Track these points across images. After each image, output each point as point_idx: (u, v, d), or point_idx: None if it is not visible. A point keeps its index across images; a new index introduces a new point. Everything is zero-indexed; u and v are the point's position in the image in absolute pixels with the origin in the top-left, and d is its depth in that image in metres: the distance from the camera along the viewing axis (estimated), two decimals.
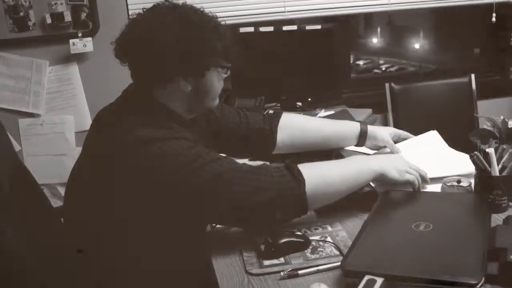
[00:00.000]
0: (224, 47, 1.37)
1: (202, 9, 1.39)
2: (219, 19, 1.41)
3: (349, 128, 1.81)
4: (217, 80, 1.42)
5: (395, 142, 1.79)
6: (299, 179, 1.32)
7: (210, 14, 1.39)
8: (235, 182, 1.29)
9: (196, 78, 1.37)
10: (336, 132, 1.80)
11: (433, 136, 1.93)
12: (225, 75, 1.44)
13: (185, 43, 1.31)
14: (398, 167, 1.47)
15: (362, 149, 1.87)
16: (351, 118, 2.28)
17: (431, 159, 1.77)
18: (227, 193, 1.28)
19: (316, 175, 1.36)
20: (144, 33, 1.32)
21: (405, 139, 1.83)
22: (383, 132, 1.79)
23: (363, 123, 1.81)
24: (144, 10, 1.36)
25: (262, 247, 1.31)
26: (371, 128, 1.79)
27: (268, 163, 1.53)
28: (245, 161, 1.61)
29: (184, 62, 1.32)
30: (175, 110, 1.40)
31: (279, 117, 1.77)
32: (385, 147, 1.79)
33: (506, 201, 1.43)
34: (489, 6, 3.07)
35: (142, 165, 1.28)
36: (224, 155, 1.39)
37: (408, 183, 1.47)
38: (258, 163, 1.46)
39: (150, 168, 1.27)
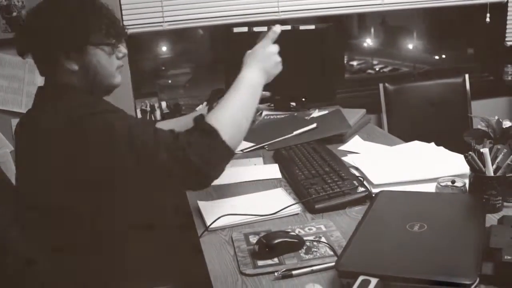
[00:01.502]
0: (105, 25, 1.46)
1: None
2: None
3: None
4: (104, 58, 1.48)
5: None
6: (211, 132, 1.36)
7: None
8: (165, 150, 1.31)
9: (77, 55, 1.43)
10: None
11: (418, 144, 1.95)
12: (118, 56, 1.52)
13: (61, 20, 1.40)
14: (275, 63, 1.61)
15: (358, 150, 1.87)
16: (344, 118, 2.28)
17: (425, 160, 1.78)
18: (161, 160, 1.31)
19: (225, 118, 1.41)
20: (29, 21, 1.44)
21: None
22: None
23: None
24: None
25: (256, 247, 1.30)
26: None
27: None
28: None
29: (61, 38, 1.39)
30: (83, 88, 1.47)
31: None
32: None
33: (500, 201, 1.42)
34: (483, 6, 3.08)
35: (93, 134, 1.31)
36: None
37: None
38: None
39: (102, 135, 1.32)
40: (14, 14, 2.48)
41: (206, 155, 1.33)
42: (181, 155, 1.29)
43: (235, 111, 1.44)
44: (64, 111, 1.35)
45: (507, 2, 3.18)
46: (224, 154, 1.39)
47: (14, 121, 2.61)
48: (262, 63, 1.57)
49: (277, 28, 1.65)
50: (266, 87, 1.58)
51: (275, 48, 1.62)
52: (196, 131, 1.38)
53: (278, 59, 1.62)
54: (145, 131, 1.33)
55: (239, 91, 1.49)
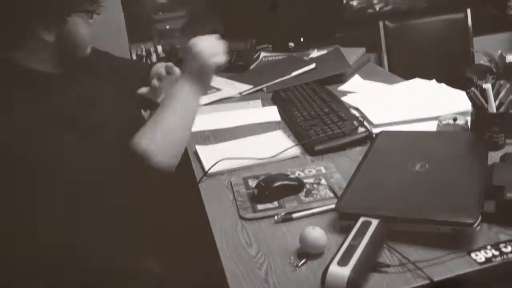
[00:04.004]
0: None
1: None
2: None
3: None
4: (82, 27, 1.31)
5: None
6: (143, 158, 1.27)
7: None
8: None
9: (57, 25, 1.26)
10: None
11: (418, 81, 1.92)
12: (91, 20, 1.34)
13: None
14: (209, 75, 1.41)
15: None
16: (343, 57, 2.24)
17: (426, 98, 1.75)
18: None
19: (156, 140, 1.30)
20: None
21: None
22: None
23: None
24: None
25: (255, 191, 1.28)
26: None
27: None
28: None
29: (41, 8, 1.22)
30: (40, 69, 1.28)
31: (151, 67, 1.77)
32: None
33: (503, 138, 1.40)
34: None
35: None
36: None
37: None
38: None
39: None
40: None
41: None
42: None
43: (168, 128, 1.33)
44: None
45: None
46: (158, 173, 1.29)
47: None
48: (193, 76, 1.39)
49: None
50: None
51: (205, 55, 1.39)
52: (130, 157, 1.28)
53: (207, 70, 1.40)
54: None
55: (177, 111, 1.36)
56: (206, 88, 1.45)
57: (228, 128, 1.74)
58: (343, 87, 2.05)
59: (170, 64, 1.61)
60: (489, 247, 1.02)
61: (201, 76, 1.39)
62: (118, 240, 1.33)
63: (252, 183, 1.35)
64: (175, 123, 1.34)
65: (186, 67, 1.40)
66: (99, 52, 1.63)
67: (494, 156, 1.34)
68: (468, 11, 3.06)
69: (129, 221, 1.34)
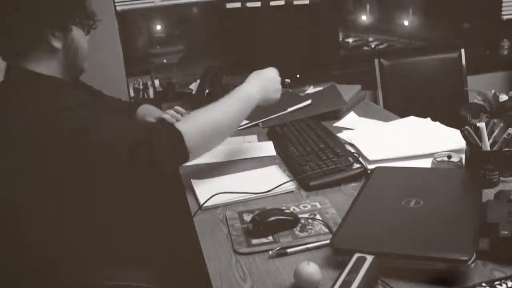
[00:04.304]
0: (84, 4, 1.41)
1: None
2: None
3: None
4: (83, 39, 1.43)
5: None
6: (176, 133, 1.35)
7: None
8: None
9: (63, 33, 1.36)
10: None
11: (413, 119, 1.94)
12: (87, 35, 1.45)
13: None
14: (276, 88, 1.67)
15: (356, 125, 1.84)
16: (339, 94, 2.26)
17: (421, 135, 1.76)
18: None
19: (200, 122, 1.42)
20: None
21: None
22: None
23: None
24: None
25: (250, 225, 1.28)
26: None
27: None
28: None
29: (50, 12, 1.32)
30: (54, 76, 1.38)
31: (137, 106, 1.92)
32: None
33: (497, 176, 1.41)
34: None
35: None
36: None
37: None
38: None
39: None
40: None
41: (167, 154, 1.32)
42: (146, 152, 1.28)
43: (216, 117, 1.45)
44: (30, 108, 1.27)
45: None
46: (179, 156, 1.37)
47: None
48: (264, 81, 1.63)
49: None
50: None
51: (279, 78, 1.69)
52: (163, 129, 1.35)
53: (279, 87, 1.68)
54: (117, 131, 1.30)
55: (230, 98, 1.52)
56: (265, 100, 1.64)
57: (223, 162, 1.74)
58: (338, 124, 2.07)
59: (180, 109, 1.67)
60: (484, 284, 1.02)
61: (269, 89, 1.64)
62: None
63: (247, 217, 1.35)
64: (223, 114, 1.47)
65: (258, 73, 1.66)
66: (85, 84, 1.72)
67: (488, 194, 1.34)
68: (462, 51, 3.11)
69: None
